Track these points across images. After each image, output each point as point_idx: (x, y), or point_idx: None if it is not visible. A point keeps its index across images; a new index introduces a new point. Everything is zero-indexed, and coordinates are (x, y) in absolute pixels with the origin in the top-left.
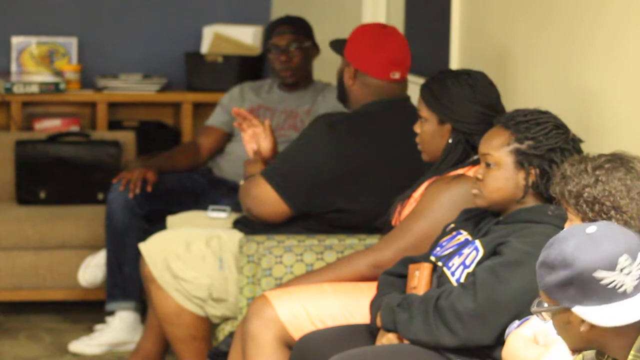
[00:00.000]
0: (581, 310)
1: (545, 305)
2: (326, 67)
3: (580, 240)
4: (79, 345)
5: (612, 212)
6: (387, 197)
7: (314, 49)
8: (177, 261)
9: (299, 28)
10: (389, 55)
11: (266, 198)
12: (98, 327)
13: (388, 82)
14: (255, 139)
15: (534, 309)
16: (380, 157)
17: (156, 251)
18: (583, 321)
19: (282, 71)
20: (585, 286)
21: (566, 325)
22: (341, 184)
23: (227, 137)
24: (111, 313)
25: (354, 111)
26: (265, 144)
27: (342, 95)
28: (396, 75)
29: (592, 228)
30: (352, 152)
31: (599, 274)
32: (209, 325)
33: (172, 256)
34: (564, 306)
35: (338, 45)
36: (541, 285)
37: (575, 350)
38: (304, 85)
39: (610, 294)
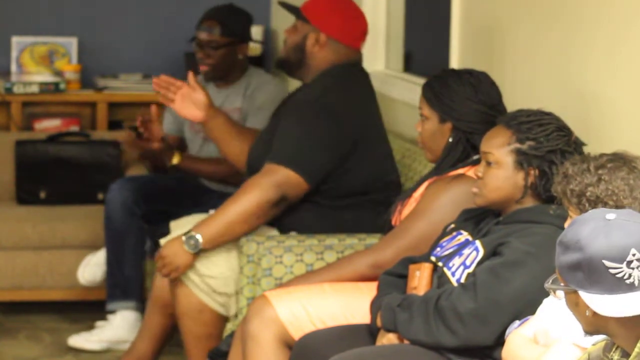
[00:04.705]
0: (585, 296)
1: (559, 283)
2: None
3: (596, 226)
4: (78, 340)
5: None
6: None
7: (243, 45)
8: (201, 258)
9: (225, 26)
10: (361, 25)
11: (291, 181)
12: (99, 323)
13: (355, 49)
14: (188, 99)
15: (547, 285)
16: (374, 116)
17: None
18: (588, 306)
19: (200, 64)
20: (592, 272)
21: (575, 307)
22: (354, 151)
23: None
24: (112, 312)
25: (329, 77)
26: (199, 97)
27: (298, 59)
28: (363, 45)
29: (612, 215)
30: (356, 116)
31: (607, 263)
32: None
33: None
34: (571, 288)
35: (294, 10)
36: (556, 264)
37: (587, 333)
38: (233, 80)
39: (617, 284)
